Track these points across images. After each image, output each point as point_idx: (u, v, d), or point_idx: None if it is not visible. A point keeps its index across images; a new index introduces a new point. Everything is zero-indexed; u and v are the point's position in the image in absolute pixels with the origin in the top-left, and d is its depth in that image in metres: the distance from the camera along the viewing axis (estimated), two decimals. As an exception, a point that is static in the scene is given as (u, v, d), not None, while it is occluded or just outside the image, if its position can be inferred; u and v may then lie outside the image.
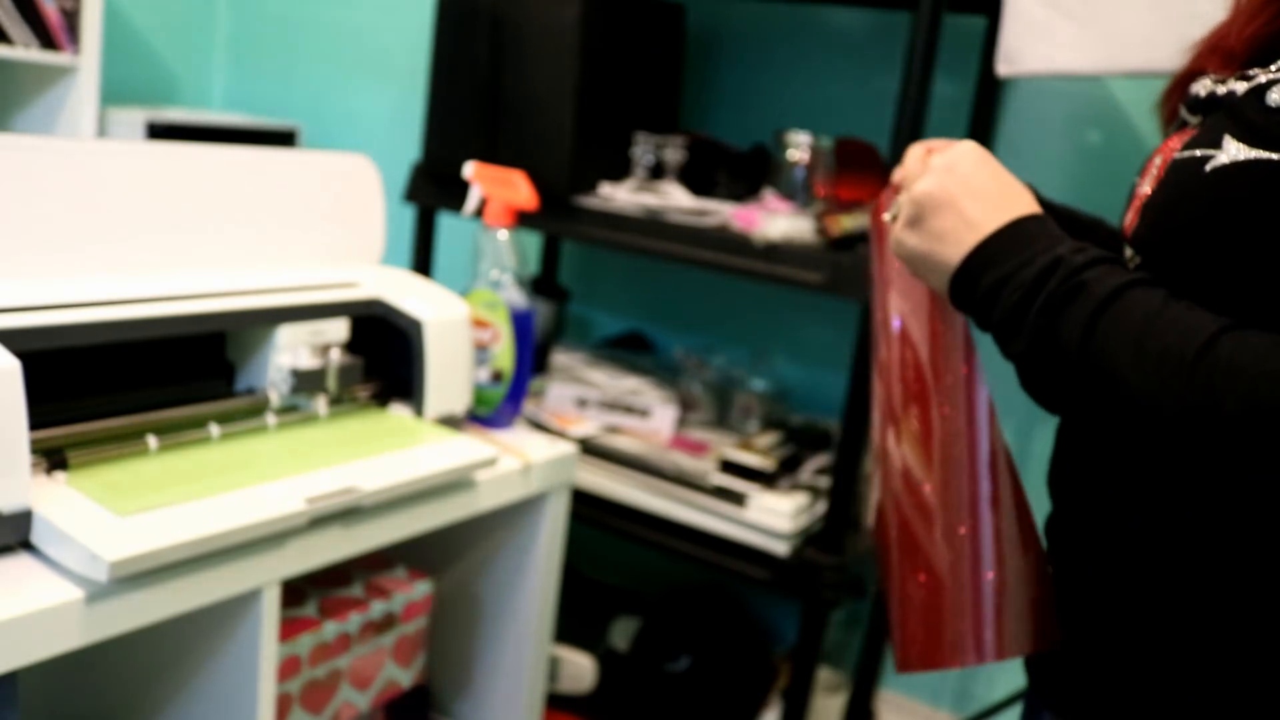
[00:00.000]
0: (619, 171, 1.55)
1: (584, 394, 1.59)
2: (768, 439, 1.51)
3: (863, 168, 1.45)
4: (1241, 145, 0.57)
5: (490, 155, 1.52)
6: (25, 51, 1.77)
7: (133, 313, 0.88)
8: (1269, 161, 0.55)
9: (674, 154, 1.51)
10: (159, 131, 1.94)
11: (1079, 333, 0.57)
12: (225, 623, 0.88)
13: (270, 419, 0.99)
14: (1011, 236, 0.62)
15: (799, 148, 1.44)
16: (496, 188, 1.16)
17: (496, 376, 1.16)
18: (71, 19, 1.81)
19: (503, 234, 1.15)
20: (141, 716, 0.97)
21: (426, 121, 1.62)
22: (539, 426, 1.53)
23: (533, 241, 1.96)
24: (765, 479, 1.42)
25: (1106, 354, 0.56)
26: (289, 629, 1.00)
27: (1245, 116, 0.58)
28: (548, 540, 1.17)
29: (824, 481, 1.48)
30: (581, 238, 1.51)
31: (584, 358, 1.68)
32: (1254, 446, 0.52)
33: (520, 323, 1.16)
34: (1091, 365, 0.56)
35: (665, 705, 1.65)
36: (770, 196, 1.45)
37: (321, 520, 0.88)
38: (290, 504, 0.84)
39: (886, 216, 0.73)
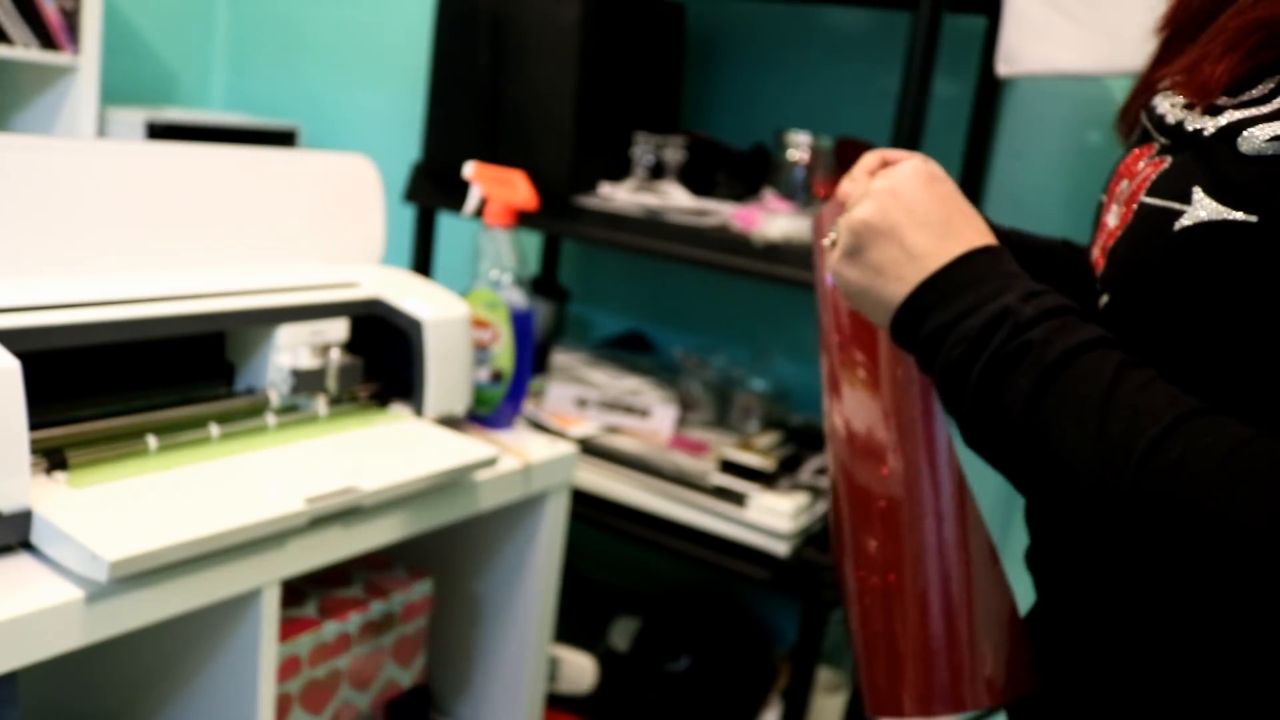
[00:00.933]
0: (619, 171, 1.55)
1: (584, 394, 1.59)
2: (768, 439, 1.51)
3: None
4: (1211, 202, 0.51)
5: (490, 155, 1.52)
6: (25, 51, 1.77)
7: (132, 313, 0.88)
8: (1241, 224, 0.49)
9: (674, 154, 1.51)
10: (159, 131, 1.94)
11: (1023, 402, 0.51)
12: (225, 623, 0.88)
13: (270, 419, 0.99)
14: (957, 275, 0.56)
15: (799, 148, 1.45)
16: (496, 188, 1.16)
17: (496, 376, 1.16)
18: (71, 19, 1.81)
19: (503, 234, 1.15)
20: (141, 716, 0.97)
21: (426, 121, 1.62)
22: (539, 426, 1.53)
23: (533, 241, 1.96)
24: (765, 479, 1.42)
25: (1051, 430, 0.50)
26: (289, 629, 1.00)
27: (1216, 166, 0.52)
28: (548, 540, 1.17)
29: (824, 481, 1.48)
30: (581, 238, 1.52)
31: (584, 358, 1.68)
32: (1205, 550, 0.47)
33: (520, 323, 1.16)
34: (1035, 440, 0.51)
35: (665, 705, 1.65)
36: (770, 196, 1.45)
37: (321, 520, 0.88)
38: (290, 504, 0.84)
39: (826, 242, 0.65)
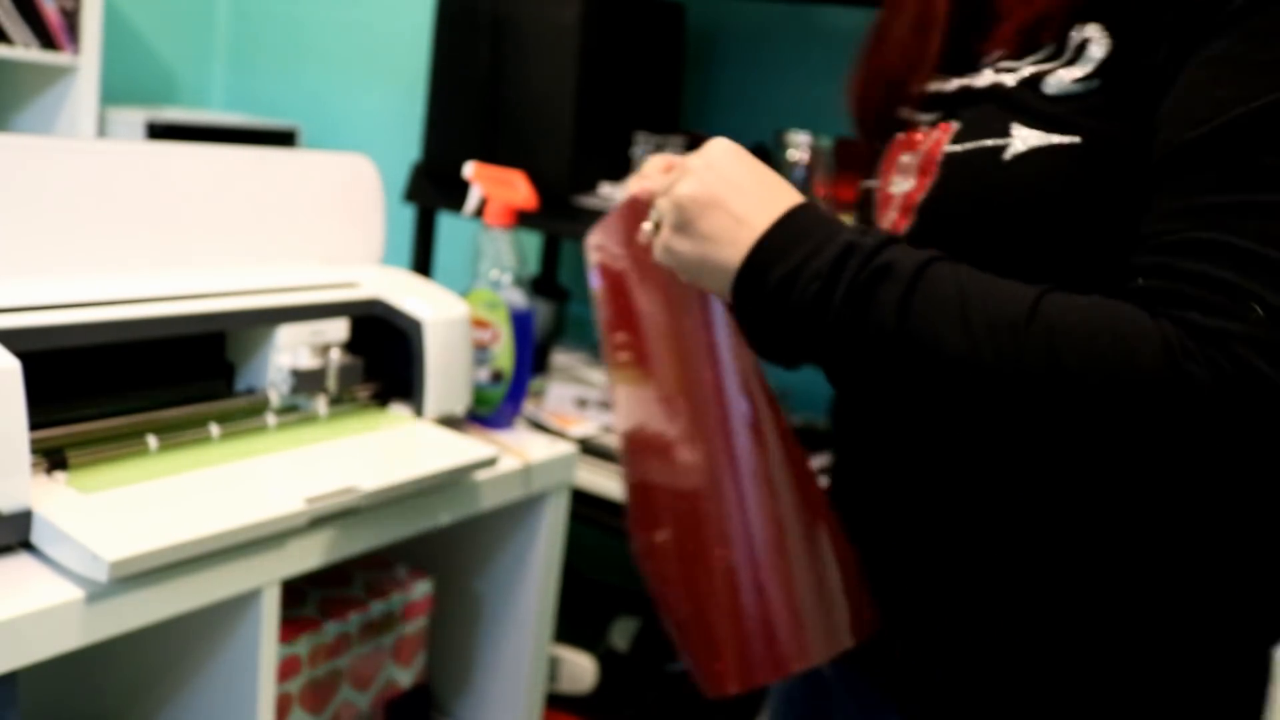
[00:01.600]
0: (619, 171, 1.55)
1: (584, 394, 1.59)
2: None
3: (862, 168, 1.45)
4: (1035, 131, 0.60)
5: (490, 155, 1.52)
6: (25, 51, 1.77)
7: (133, 313, 0.88)
8: (1067, 146, 0.59)
9: (674, 154, 1.50)
10: (159, 131, 1.94)
11: (894, 314, 0.56)
12: (225, 623, 0.88)
13: (270, 419, 0.99)
14: (789, 228, 0.60)
15: (799, 147, 1.45)
16: (496, 188, 1.16)
17: (496, 376, 1.16)
18: (71, 19, 1.81)
19: (503, 234, 1.15)
20: (141, 716, 0.97)
21: (426, 121, 1.62)
22: (539, 426, 1.53)
23: (533, 241, 1.96)
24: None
25: (929, 331, 0.55)
26: (289, 629, 1.00)
27: (1030, 106, 0.61)
28: (548, 540, 1.17)
29: (823, 481, 1.47)
30: (581, 238, 1.52)
31: (584, 358, 1.68)
32: (1094, 400, 0.52)
33: (520, 323, 1.16)
34: (914, 343, 0.55)
35: (665, 705, 1.65)
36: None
37: (321, 520, 0.88)
38: (290, 504, 0.84)
39: (647, 226, 0.68)
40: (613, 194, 1.49)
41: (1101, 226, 0.59)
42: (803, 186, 1.44)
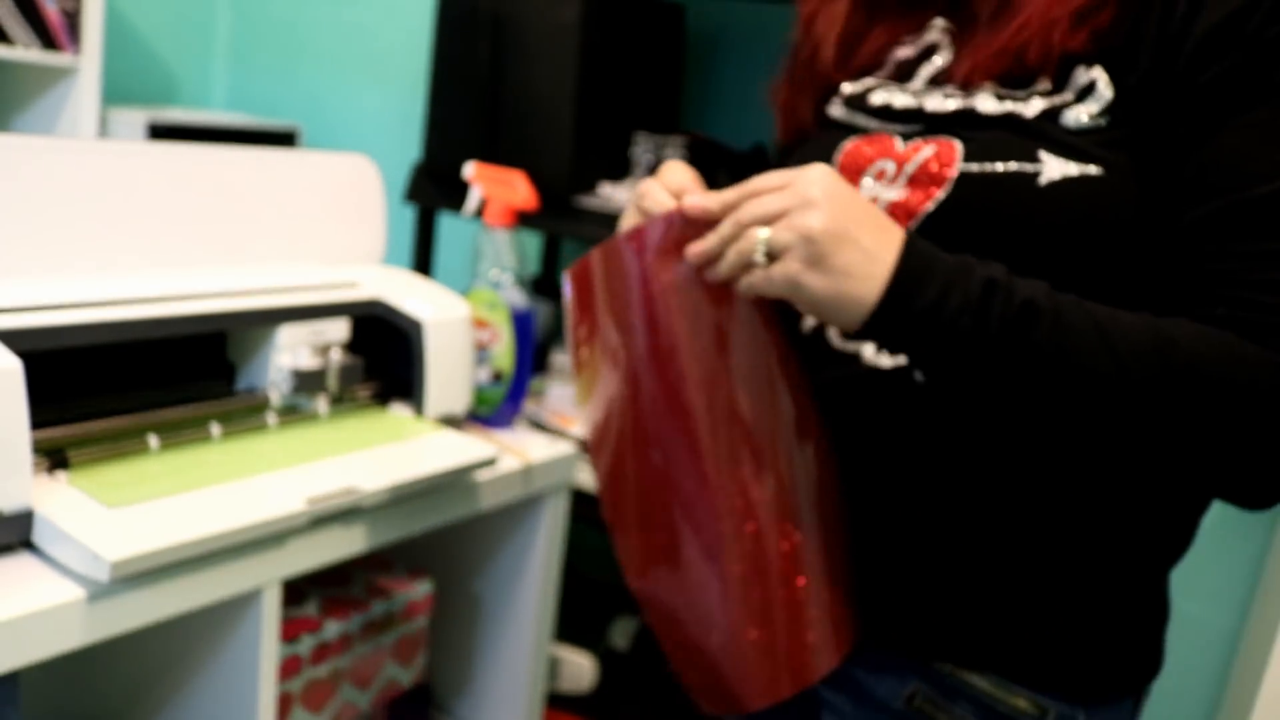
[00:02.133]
0: (619, 171, 1.55)
1: (584, 394, 1.59)
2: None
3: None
4: (1063, 160, 0.65)
5: (490, 155, 1.53)
6: (26, 52, 1.77)
7: (133, 313, 0.88)
8: (1093, 176, 0.65)
9: (674, 154, 1.51)
10: (160, 132, 1.95)
11: (1050, 344, 0.61)
12: (226, 622, 0.88)
13: (271, 419, 0.99)
14: (914, 260, 0.63)
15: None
16: (496, 188, 1.16)
17: (496, 376, 1.16)
18: (72, 19, 1.82)
19: (503, 234, 1.15)
20: (142, 716, 0.97)
21: (427, 121, 1.62)
22: (539, 426, 1.53)
23: (533, 241, 1.96)
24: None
25: (1081, 360, 0.61)
26: (290, 629, 1.00)
27: (1054, 136, 0.66)
28: (547, 540, 1.17)
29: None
30: (581, 238, 1.52)
31: (584, 358, 1.68)
32: (1222, 414, 0.60)
33: (520, 323, 1.16)
34: (1068, 369, 0.61)
35: (665, 705, 1.65)
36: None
37: (322, 520, 0.88)
38: (290, 504, 0.84)
39: (759, 258, 0.64)
40: (613, 194, 1.50)
41: (1114, 250, 0.65)
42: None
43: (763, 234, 0.64)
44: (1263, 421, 0.59)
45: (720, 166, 1.59)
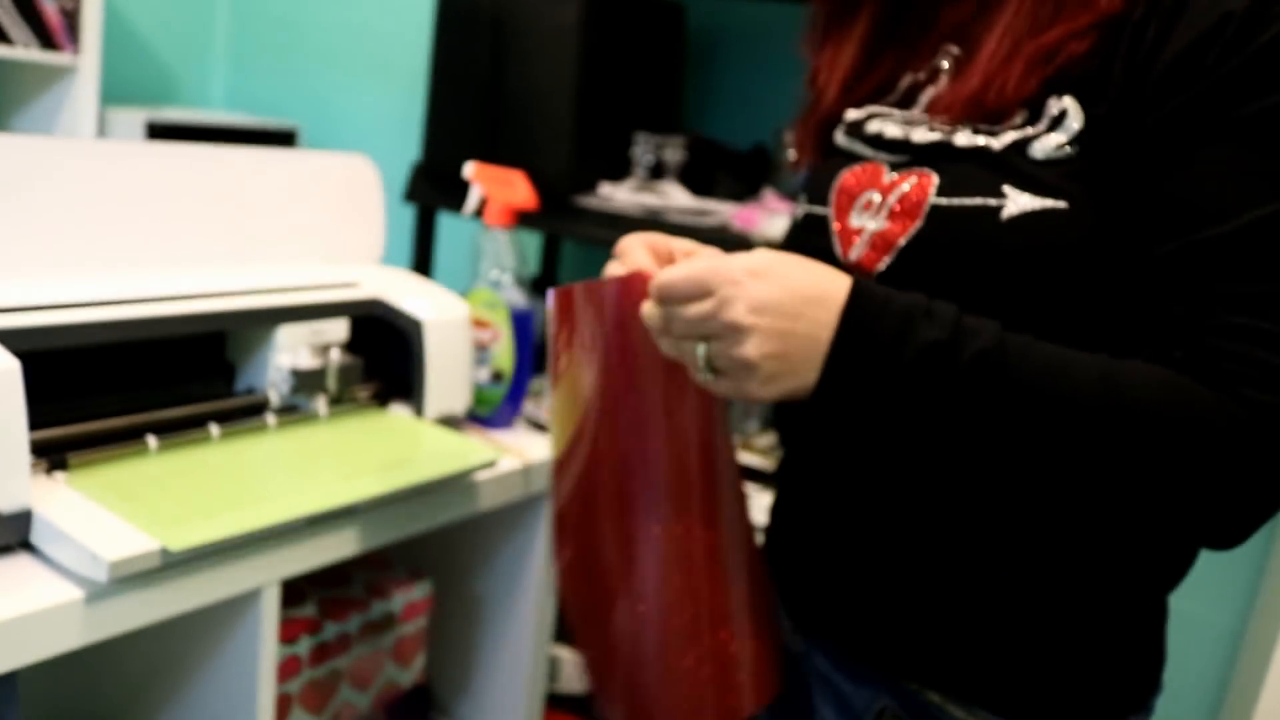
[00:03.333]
0: (619, 171, 1.55)
1: (584, 394, 1.59)
2: (768, 439, 1.51)
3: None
4: (1026, 194, 0.65)
5: (490, 155, 1.52)
6: (25, 51, 1.77)
7: (132, 312, 0.88)
8: (1055, 210, 0.64)
9: (674, 154, 1.51)
10: (159, 131, 1.94)
11: (999, 399, 0.60)
12: (225, 623, 0.87)
13: (270, 419, 0.99)
14: (854, 332, 0.62)
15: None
16: (496, 187, 1.16)
17: (496, 376, 1.16)
18: (71, 19, 1.81)
19: (503, 234, 1.15)
20: (141, 716, 0.97)
21: (426, 121, 1.62)
22: (539, 426, 1.53)
23: (533, 241, 1.96)
24: (766, 479, 1.42)
25: (1033, 410, 0.60)
26: (289, 629, 1.00)
27: (1020, 170, 0.65)
28: (547, 541, 1.17)
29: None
30: (581, 238, 1.52)
31: (584, 358, 1.68)
32: (1174, 462, 0.59)
33: (520, 323, 1.16)
34: (1019, 423, 0.60)
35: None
36: (770, 196, 1.45)
37: (320, 521, 0.88)
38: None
39: (702, 375, 0.65)
40: (612, 194, 1.49)
41: (1078, 283, 0.65)
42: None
43: (700, 351, 0.64)
44: (1217, 465, 0.59)
45: (720, 166, 1.58)
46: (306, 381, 1.01)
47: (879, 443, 0.70)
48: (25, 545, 0.76)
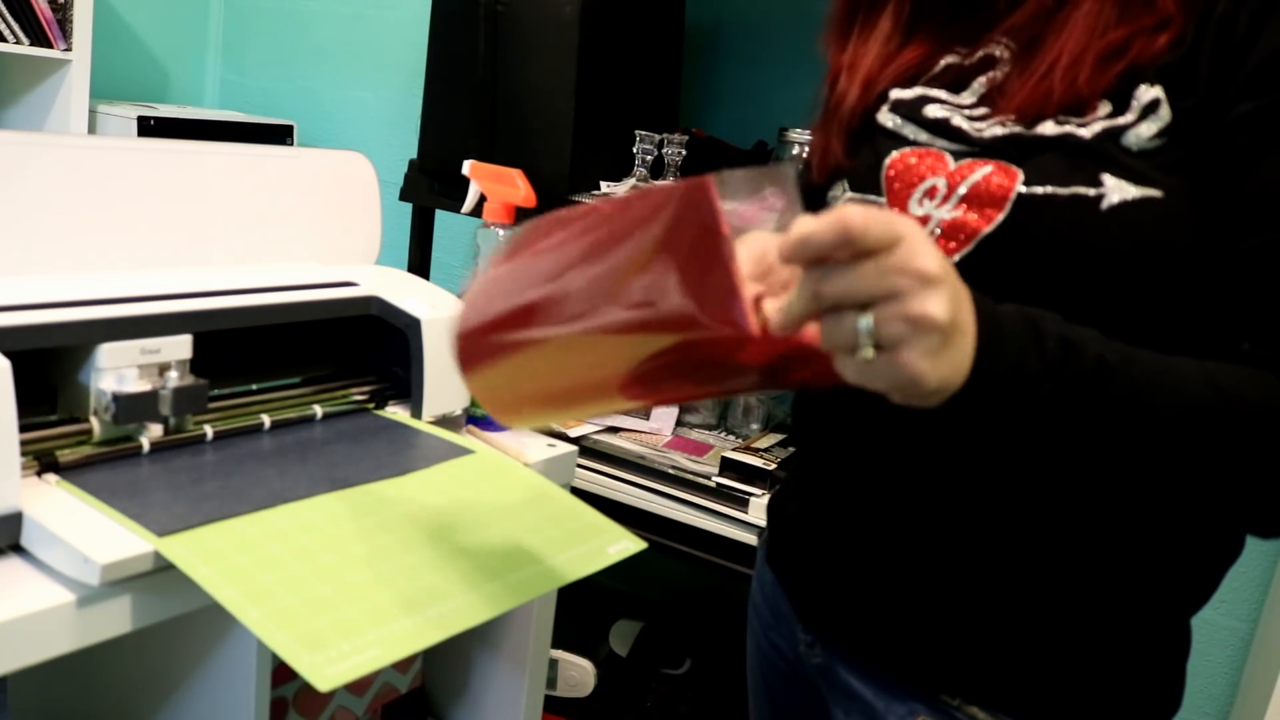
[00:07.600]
0: (619, 169, 1.54)
1: (582, 394, 1.58)
2: (769, 440, 1.50)
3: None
4: (1124, 184, 0.64)
5: (488, 153, 1.51)
6: (16, 46, 1.75)
7: (124, 311, 0.86)
8: (1154, 199, 0.63)
9: (674, 151, 1.49)
10: (150, 127, 1.93)
11: (1129, 402, 0.58)
12: (219, 626, 0.86)
13: (266, 419, 0.97)
14: (990, 327, 0.56)
15: (801, 145, 1.43)
16: (495, 186, 1.15)
17: (495, 376, 1.14)
18: (63, 14, 1.80)
19: (502, 233, 1.14)
20: (134, 722, 0.95)
21: (424, 119, 1.60)
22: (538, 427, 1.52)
23: (530, 240, 1.95)
24: (767, 480, 1.41)
25: (1155, 414, 0.59)
26: (284, 633, 0.98)
27: (1116, 159, 0.64)
28: (547, 542, 1.16)
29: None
30: (580, 236, 1.50)
31: (582, 357, 1.67)
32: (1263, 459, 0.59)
33: (520, 322, 1.14)
34: (1145, 426, 0.59)
35: (665, 709, 1.63)
36: (772, 194, 1.44)
37: (318, 523, 0.86)
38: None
39: (866, 354, 0.51)
40: (613, 192, 1.48)
41: (1167, 276, 0.64)
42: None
43: (864, 324, 0.50)
44: None
45: (721, 164, 1.57)
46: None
47: (980, 450, 0.68)
48: (15, 548, 0.74)
